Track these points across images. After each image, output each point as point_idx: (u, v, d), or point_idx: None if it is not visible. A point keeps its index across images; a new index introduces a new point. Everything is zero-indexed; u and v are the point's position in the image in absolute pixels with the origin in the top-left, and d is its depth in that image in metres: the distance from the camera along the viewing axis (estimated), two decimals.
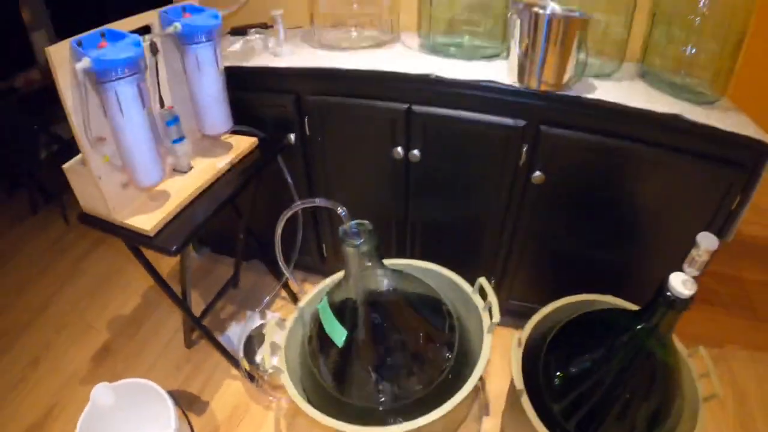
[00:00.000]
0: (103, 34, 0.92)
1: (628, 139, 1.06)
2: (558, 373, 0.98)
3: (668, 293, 0.81)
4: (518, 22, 1.02)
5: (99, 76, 0.87)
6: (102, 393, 1.14)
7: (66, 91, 0.88)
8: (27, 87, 2.85)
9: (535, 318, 1.12)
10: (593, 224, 1.23)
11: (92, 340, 1.66)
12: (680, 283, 0.80)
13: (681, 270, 0.84)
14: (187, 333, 1.53)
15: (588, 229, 1.24)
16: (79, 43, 0.87)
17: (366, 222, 0.93)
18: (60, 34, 3.47)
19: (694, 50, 1.10)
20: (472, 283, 1.20)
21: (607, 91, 1.09)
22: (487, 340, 1.04)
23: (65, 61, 0.86)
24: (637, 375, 0.91)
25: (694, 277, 0.82)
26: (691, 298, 0.80)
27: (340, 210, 0.94)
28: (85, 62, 0.84)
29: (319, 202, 0.98)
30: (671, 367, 0.92)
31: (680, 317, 0.84)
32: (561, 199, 1.20)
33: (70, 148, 2.66)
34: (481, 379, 1.40)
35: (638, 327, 0.88)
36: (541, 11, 0.98)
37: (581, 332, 1.03)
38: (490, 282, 1.43)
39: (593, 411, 0.92)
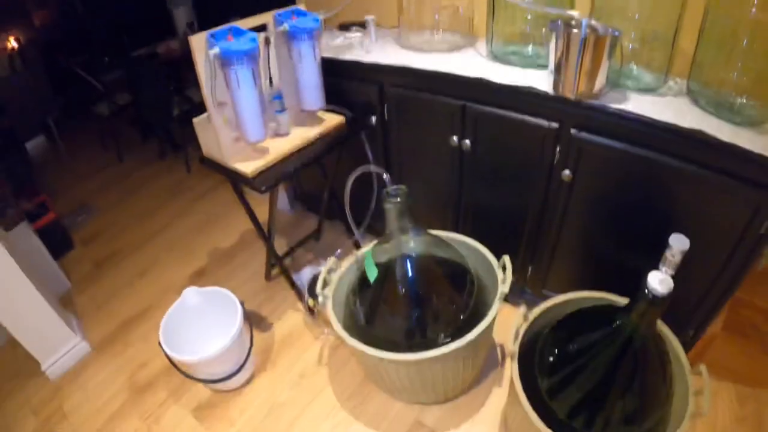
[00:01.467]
0: (230, 30, 1.25)
1: (654, 149, 1.15)
2: (554, 351, 1.10)
3: (646, 290, 0.89)
4: (554, 36, 1.18)
5: (224, 61, 1.20)
6: (191, 294, 1.52)
7: (201, 68, 1.24)
8: (167, 55, 3.44)
9: (546, 303, 1.26)
10: (619, 227, 1.34)
11: (192, 263, 2.09)
12: (657, 282, 0.88)
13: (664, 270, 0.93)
14: (268, 268, 1.88)
15: (614, 231, 1.36)
16: (213, 35, 1.22)
17: (403, 186, 1.17)
18: (198, 11, 4.04)
19: (739, 71, 1.13)
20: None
21: (640, 103, 1.19)
22: (496, 305, 1.23)
23: (202, 47, 1.22)
24: (619, 365, 0.99)
25: (671, 276, 0.90)
26: (668, 296, 0.88)
27: (385, 175, 1.20)
28: (215, 50, 1.18)
29: (372, 168, 1.25)
30: (654, 361, 1.00)
31: (660, 312, 0.94)
32: (589, 199, 1.34)
33: (198, 108, 3.18)
34: (502, 350, 1.60)
35: (618, 322, 0.99)
36: (574, 30, 1.15)
37: (581, 321, 1.14)
38: (527, 269, 1.62)
39: (575, 392, 1.03)
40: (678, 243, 0.92)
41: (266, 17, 1.36)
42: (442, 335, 1.22)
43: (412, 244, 1.25)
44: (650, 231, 1.27)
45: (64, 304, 1.96)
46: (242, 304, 1.45)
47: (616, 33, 1.15)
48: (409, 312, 1.24)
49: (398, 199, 1.16)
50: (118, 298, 1.97)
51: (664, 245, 1.20)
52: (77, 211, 2.68)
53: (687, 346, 1.27)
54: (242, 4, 4.30)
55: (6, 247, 1.47)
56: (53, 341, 1.67)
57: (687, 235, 1.07)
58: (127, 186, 2.84)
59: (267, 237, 1.61)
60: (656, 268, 1.17)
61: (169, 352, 1.37)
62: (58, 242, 2.27)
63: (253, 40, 1.20)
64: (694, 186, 1.14)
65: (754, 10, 1.06)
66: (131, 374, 1.66)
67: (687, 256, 1.10)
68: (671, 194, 1.19)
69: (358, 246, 1.96)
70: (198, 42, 1.20)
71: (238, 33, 1.23)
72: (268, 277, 1.91)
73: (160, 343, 1.39)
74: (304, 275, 1.82)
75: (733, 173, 1.07)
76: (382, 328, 1.25)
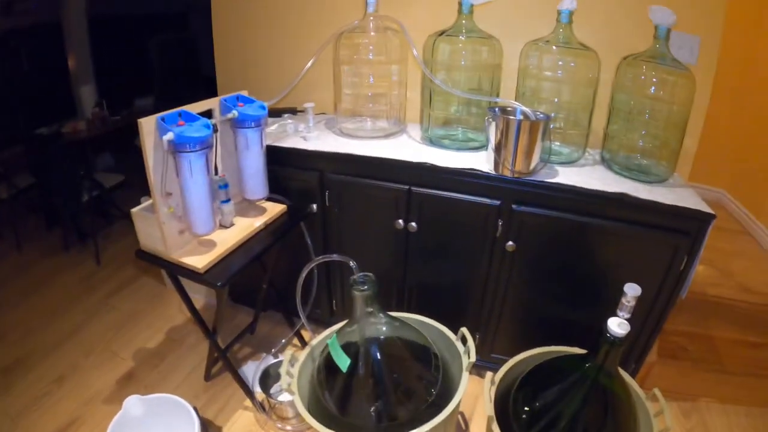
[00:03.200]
0: (180, 114, 1.20)
1: (585, 214, 1.32)
2: (525, 408, 1.16)
3: (608, 334, 1.02)
4: (493, 123, 1.31)
5: (178, 148, 1.14)
6: (134, 403, 1.34)
7: (149, 154, 1.16)
8: (73, 135, 3.24)
9: (508, 364, 1.31)
10: (561, 287, 1.46)
11: (117, 367, 1.86)
12: (617, 325, 1.01)
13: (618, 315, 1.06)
14: (209, 366, 1.73)
15: (556, 291, 1.47)
16: (163, 119, 1.15)
17: (371, 274, 1.17)
18: (102, 92, 3.89)
19: (644, 138, 1.38)
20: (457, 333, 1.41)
21: (568, 175, 1.37)
22: (465, 376, 1.24)
23: (152, 131, 1.15)
24: (591, 406, 1.09)
25: (627, 319, 1.04)
26: (626, 336, 1.01)
27: (352, 263, 1.19)
28: (169, 135, 1.12)
29: (336, 257, 1.24)
30: (620, 396, 1.11)
31: (620, 352, 1.06)
32: (532, 264, 1.45)
33: (109, 195, 2.97)
34: (464, 417, 1.60)
35: (587, 365, 1.09)
36: (511, 117, 1.28)
37: (544, 375, 1.21)
38: (474, 337, 1.66)
39: None
40: (632, 290, 1.07)
41: (212, 103, 1.34)
42: (418, 412, 1.19)
43: (378, 327, 1.24)
44: (588, 285, 1.42)
45: None
46: (196, 410, 1.32)
47: (547, 117, 1.30)
48: (383, 395, 1.20)
49: (365, 287, 1.15)
50: (35, 411, 1.66)
51: (601, 297, 1.41)
52: None
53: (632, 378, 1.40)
54: (148, 86, 4.23)
55: None
56: None
57: (621, 281, 1.19)
58: (29, 280, 2.50)
59: (211, 334, 1.50)
60: (599, 316, 1.27)
61: None
62: None
63: (207, 126, 1.17)
64: (621, 240, 1.32)
65: (653, 89, 1.32)
66: None
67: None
68: (603, 250, 1.35)
69: (300, 336, 1.89)
70: (147, 125, 1.13)
71: (189, 118, 1.19)
72: (207, 376, 1.75)
73: None
74: (248, 371, 1.71)
75: (653, 224, 1.28)
76: (356, 415, 1.19)
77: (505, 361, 1.32)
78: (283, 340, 1.88)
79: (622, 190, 1.28)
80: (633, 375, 1.48)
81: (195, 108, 1.27)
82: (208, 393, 1.71)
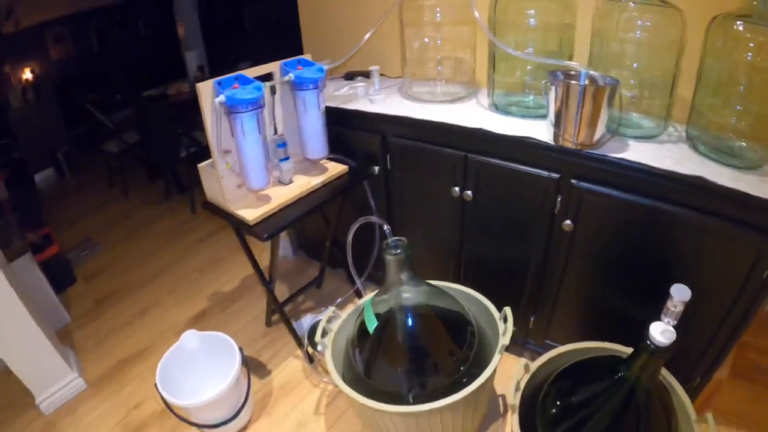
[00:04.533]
0: (236, 78, 1.28)
1: (654, 197, 1.15)
2: (557, 403, 1.09)
3: (648, 341, 0.89)
4: (553, 86, 1.20)
5: (230, 109, 1.22)
6: (190, 337, 1.50)
7: (207, 115, 1.26)
8: (177, 96, 3.53)
9: (548, 355, 1.25)
10: (622, 276, 1.32)
11: (193, 305, 2.08)
12: (659, 333, 0.88)
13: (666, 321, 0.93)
14: (269, 313, 1.87)
15: (616, 280, 1.33)
16: (219, 83, 1.24)
17: (404, 238, 1.17)
18: (209, 55, 4.17)
19: (738, 115, 1.14)
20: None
21: (640, 151, 1.19)
22: (496, 358, 1.20)
23: (209, 94, 1.24)
24: (622, 419, 0.99)
25: (674, 326, 0.91)
26: (671, 346, 0.88)
27: (386, 227, 1.20)
28: (221, 98, 1.20)
29: (373, 219, 1.25)
30: (659, 414, 0.99)
31: (661, 364, 0.93)
32: (591, 248, 1.32)
33: (205, 151, 3.21)
34: (504, 400, 1.56)
35: (623, 372, 0.98)
36: (573, 82, 1.17)
37: (583, 372, 1.13)
38: (529, 319, 1.59)
39: None
40: (679, 293, 0.91)
41: (272, 66, 1.40)
42: (442, 387, 1.18)
43: (412, 294, 1.24)
44: (652, 279, 1.25)
45: (63, 338, 1.94)
46: (241, 350, 1.43)
47: (615, 82, 1.17)
48: (408, 363, 1.21)
49: (398, 251, 1.15)
50: (117, 337, 1.95)
51: (667, 293, 1.17)
52: (81, 245, 2.70)
53: (694, 394, 1.23)
54: (252, 51, 4.46)
55: (7, 278, 1.46)
56: (49, 375, 1.65)
57: (689, 281, 1.03)
58: (131, 224, 2.87)
59: (268, 283, 1.60)
60: (659, 317, 1.13)
61: (164, 395, 1.34)
62: (60, 276, 2.27)
63: (259, 88, 1.23)
64: (695, 233, 1.13)
65: (750, 54, 1.07)
66: (125, 414, 1.63)
67: (690, 304, 1.04)
68: (672, 241, 1.18)
69: (359, 295, 1.95)
70: (205, 89, 1.22)
71: (244, 81, 1.26)
72: (268, 323, 1.89)
73: (156, 385, 1.36)
74: (305, 323, 1.80)
75: (734, 218, 1.07)
76: (380, 379, 1.22)
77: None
78: (340, 299, 1.95)
79: (701, 174, 1.08)
80: (696, 392, 1.31)
81: (255, 72, 1.34)
82: (267, 338, 1.84)
